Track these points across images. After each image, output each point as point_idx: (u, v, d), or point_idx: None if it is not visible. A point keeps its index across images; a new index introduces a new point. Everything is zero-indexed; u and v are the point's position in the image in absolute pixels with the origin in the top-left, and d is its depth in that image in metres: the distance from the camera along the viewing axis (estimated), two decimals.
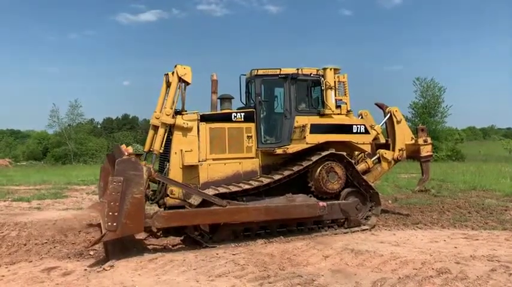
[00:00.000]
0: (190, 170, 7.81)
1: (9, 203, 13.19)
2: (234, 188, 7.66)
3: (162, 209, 7.87)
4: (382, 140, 10.14)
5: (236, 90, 8.85)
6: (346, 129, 8.45)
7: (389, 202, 12.25)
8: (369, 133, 8.70)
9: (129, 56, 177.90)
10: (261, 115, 8.43)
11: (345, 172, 8.26)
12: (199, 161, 7.86)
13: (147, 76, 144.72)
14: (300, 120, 8.35)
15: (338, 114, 8.68)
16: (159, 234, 8.24)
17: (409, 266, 5.89)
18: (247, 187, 7.69)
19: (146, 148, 7.97)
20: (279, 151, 8.10)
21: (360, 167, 9.09)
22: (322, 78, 8.62)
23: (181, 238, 7.99)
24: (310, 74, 8.65)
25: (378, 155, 9.63)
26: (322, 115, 8.57)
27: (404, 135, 10.02)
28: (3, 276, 5.70)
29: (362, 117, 9.87)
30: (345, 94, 8.99)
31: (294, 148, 8.10)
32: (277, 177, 7.82)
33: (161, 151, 7.75)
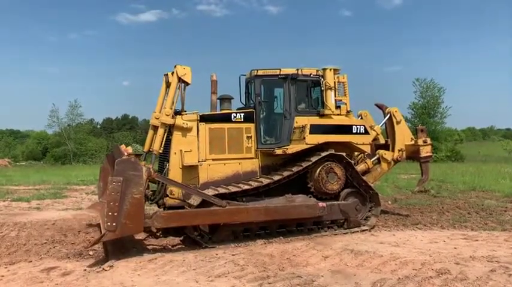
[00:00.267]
0: (190, 170, 7.81)
1: (9, 203, 13.18)
2: (233, 189, 7.66)
3: (162, 209, 7.87)
4: (382, 141, 10.14)
5: (236, 90, 8.87)
6: (346, 129, 8.44)
7: (389, 202, 12.25)
8: (368, 134, 8.70)
9: (129, 56, 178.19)
10: (261, 115, 8.43)
11: (344, 172, 8.26)
12: (198, 162, 7.86)
13: (147, 76, 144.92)
14: (300, 120, 8.35)
15: (338, 114, 8.67)
16: (158, 234, 8.25)
17: (408, 266, 5.88)
18: (246, 187, 7.68)
19: (146, 148, 7.97)
20: (278, 152, 8.10)
21: (360, 167, 9.08)
22: (322, 79, 8.62)
23: (181, 238, 7.98)
24: (310, 74, 8.65)
25: (377, 155, 9.64)
26: (321, 116, 8.56)
27: (404, 136, 10.02)
28: (2, 276, 5.69)
29: (362, 118, 9.86)
30: (345, 95, 8.98)
31: (293, 148, 8.10)
32: (276, 177, 7.82)
33: (161, 151, 7.75)
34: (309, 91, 8.76)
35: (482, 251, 6.62)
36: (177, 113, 7.86)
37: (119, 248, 6.93)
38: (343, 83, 8.97)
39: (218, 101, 8.75)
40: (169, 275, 5.65)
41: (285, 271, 5.77)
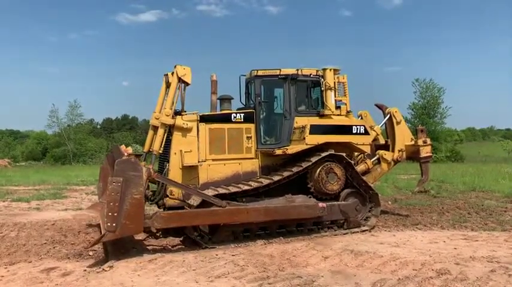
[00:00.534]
0: (190, 170, 7.80)
1: (9, 203, 13.18)
2: (233, 189, 7.66)
3: (162, 209, 7.87)
4: (382, 141, 10.14)
5: (236, 90, 8.87)
6: (346, 130, 8.44)
7: (389, 202, 12.25)
8: (368, 134, 8.69)
9: (129, 56, 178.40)
10: (261, 116, 8.43)
11: (344, 172, 8.26)
12: (198, 162, 7.86)
13: (147, 76, 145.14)
14: (300, 121, 8.35)
15: (338, 115, 8.67)
16: (158, 235, 8.24)
17: (408, 267, 5.88)
18: (246, 187, 7.68)
19: (146, 149, 7.97)
20: (278, 152, 8.10)
21: (360, 168, 9.08)
22: (322, 79, 8.62)
23: (181, 238, 7.98)
24: (310, 74, 8.65)
25: (377, 156, 9.64)
26: (321, 116, 8.56)
27: (403, 136, 10.02)
28: (2, 276, 5.69)
29: (362, 118, 9.86)
30: (345, 95, 8.98)
31: (293, 148, 8.10)
32: (276, 178, 7.81)
33: (161, 152, 7.75)
34: (309, 91, 8.75)
35: (482, 252, 6.62)
36: (177, 113, 7.86)
37: (119, 248, 6.92)
38: (343, 83, 8.97)
39: (218, 101, 8.75)
40: (169, 276, 5.65)
41: (285, 271, 5.77)
